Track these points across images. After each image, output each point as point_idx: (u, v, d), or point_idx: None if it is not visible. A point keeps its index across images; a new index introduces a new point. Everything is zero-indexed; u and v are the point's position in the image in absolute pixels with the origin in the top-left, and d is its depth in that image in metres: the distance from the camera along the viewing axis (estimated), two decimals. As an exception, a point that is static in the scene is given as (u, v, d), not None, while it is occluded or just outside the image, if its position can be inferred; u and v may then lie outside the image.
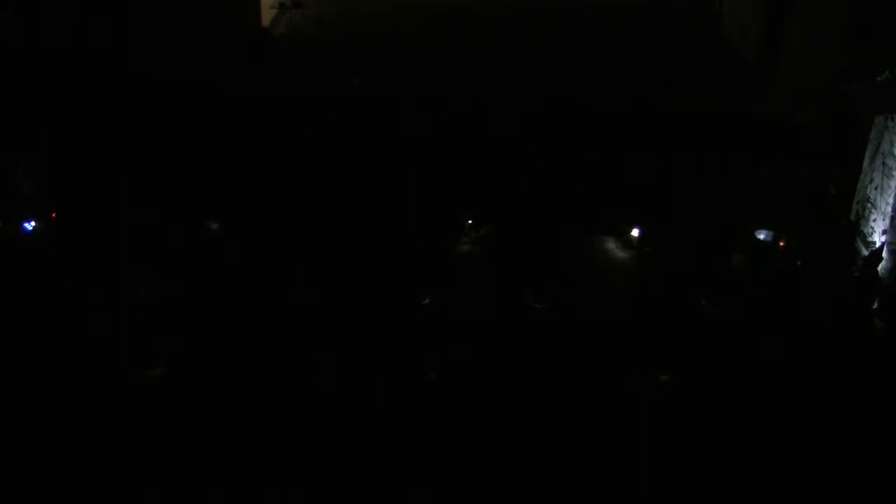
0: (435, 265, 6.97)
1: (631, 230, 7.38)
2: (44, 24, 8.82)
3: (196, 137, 8.63)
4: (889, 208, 6.73)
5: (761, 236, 7.17)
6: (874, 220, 6.98)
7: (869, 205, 7.08)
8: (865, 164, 7.15)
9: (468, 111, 9.40)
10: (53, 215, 7.34)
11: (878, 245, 6.81)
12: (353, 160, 8.41)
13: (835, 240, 7.23)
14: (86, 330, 6.09)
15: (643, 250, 7.35)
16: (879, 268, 6.70)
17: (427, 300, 6.53)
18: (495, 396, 5.61)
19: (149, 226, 7.19)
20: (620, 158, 8.41)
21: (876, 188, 6.96)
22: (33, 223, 7.20)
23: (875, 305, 6.57)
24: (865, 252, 6.95)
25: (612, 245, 7.49)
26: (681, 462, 5.14)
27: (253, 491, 4.92)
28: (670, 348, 5.95)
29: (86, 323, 6.17)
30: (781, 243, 7.10)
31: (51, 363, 5.81)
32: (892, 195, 6.69)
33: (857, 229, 7.22)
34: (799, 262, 6.93)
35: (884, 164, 6.82)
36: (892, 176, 6.71)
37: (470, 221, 7.43)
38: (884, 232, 6.79)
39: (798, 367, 5.87)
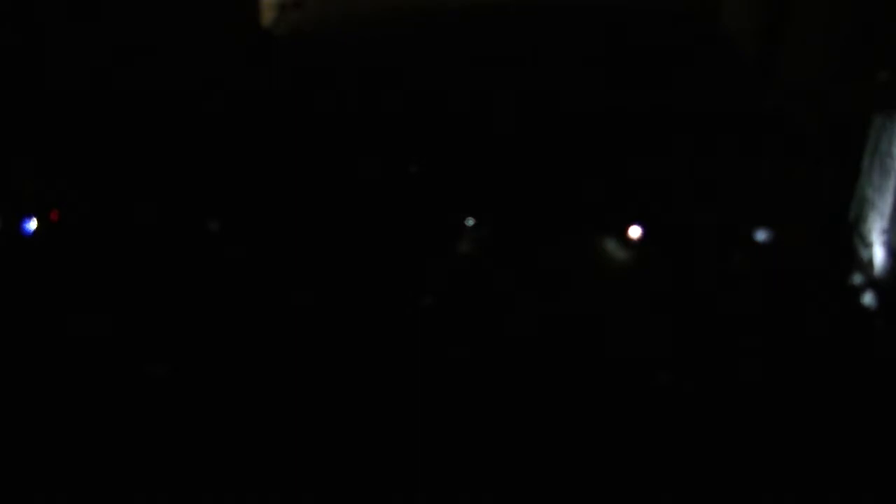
0: (435, 265, 6.99)
1: (631, 230, 7.38)
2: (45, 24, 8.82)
3: (195, 138, 8.64)
4: (888, 208, 6.73)
5: (761, 236, 7.18)
6: (873, 220, 6.98)
7: (868, 205, 7.08)
8: (864, 163, 7.15)
9: (468, 111, 9.40)
10: (54, 215, 7.33)
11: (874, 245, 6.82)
12: (353, 160, 8.43)
13: (834, 240, 7.23)
14: (84, 330, 6.11)
15: (643, 250, 7.35)
16: (879, 268, 6.71)
17: (427, 301, 6.55)
18: (495, 396, 5.63)
19: (149, 226, 7.21)
20: (620, 158, 8.42)
21: (874, 188, 6.96)
22: (34, 222, 7.19)
23: (875, 306, 6.58)
24: (864, 252, 6.96)
25: (612, 245, 7.49)
26: (682, 462, 5.16)
27: (253, 491, 4.94)
28: (670, 348, 5.97)
29: (85, 323, 6.18)
30: (781, 243, 7.10)
31: (50, 363, 5.83)
32: (891, 195, 6.70)
33: (855, 229, 7.22)
34: (798, 262, 6.94)
35: (882, 163, 6.83)
36: (891, 176, 6.71)
37: (471, 221, 7.44)
38: (883, 232, 6.79)
39: (797, 368, 5.88)
